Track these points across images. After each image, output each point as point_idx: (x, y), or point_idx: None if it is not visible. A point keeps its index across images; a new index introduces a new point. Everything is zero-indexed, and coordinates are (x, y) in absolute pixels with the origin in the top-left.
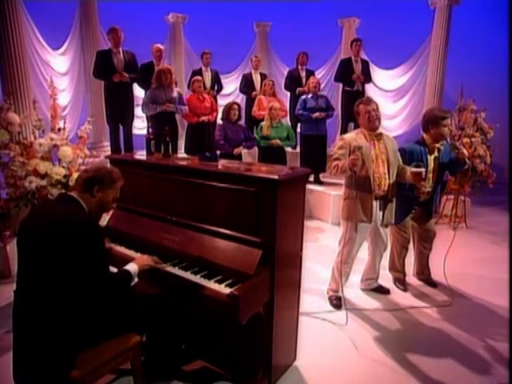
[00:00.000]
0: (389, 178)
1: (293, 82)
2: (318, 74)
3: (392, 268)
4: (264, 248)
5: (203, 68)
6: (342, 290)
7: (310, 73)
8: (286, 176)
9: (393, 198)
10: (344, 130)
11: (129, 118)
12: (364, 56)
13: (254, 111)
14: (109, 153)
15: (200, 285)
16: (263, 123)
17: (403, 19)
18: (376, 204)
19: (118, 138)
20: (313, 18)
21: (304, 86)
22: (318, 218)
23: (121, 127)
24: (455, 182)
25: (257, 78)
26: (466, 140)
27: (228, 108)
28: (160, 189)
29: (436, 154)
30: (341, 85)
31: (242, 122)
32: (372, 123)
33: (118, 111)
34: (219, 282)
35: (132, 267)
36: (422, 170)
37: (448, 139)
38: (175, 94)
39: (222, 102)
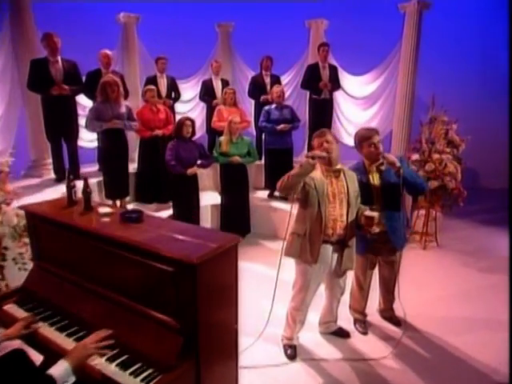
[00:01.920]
0: (346, 221)
1: (256, 88)
2: (285, 80)
3: (352, 307)
4: (185, 335)
5: (158, 75)
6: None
7: (275, 79)
8: (207, 255)
9: (351, 242)
10: (312, 140)
11: (72, 134)
12: (333, 61)
13: (213, 122)
14: (51, 172)
15: (113, 379)
16: (222, 138)
17: (374, 22)
18: (331, 248)
19: (60, 156)
20: (280, 18)
21: (268, 94)
22: (283, 238)
23: (64, 144)
24: (425, 199)
25: (218, 85)
26: (436, 156)
27: (180, 124)
28: (78, 251)
29: (377, 174)
30: (308, 92)
31: (204, 136)
32: (328, 158)
33: (59, 127)
34: (136, 373)
35: (60, 368)
36: (375, 214)
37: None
38: (123, 110)
39: (181, 108)
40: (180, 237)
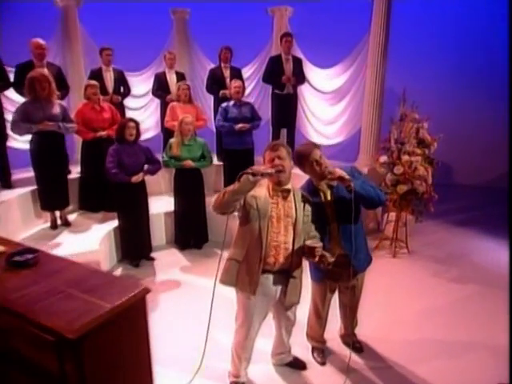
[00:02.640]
0: (292, 249)
1: (215, 82)
2: (247, 72)
3: (309, 335)
4: None
5: (103, 67)
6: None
7: (236, 71)
8: (97, 321)
9: (297, 273)
10: (276, 138)
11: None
12: (298, 52)
13: (166, 121)
14: None
15: None
16: (172, 140)
17: (342, 10)
18: (273, 279)
19: None
20: (242, 4)
21: (228, 88)
22: None
23: None
24: (394, 204)
25: (172, 79)
26: (405, 158)
27: (121, 126)
28: None
29: (329, 191)
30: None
31: (160, 135)
32: (276, 176)
33: None
34: None
35: None
36: (318, 245)
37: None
38: (57, 110)
39: (134, 104)
40: (73, 291)
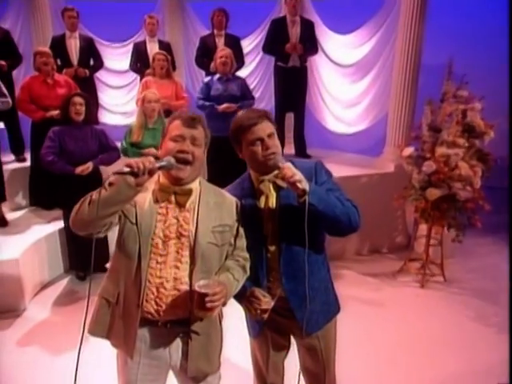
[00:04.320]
0: (190, 288)
1: (206, 54)
2: (249, 45)
3: None
4: None
5: (67, 33)
6: None
7: (233, 41)
8: None
9: (202, 327)
10: (280, 125)
11: None
12: (311, 13)
13: (137, 100)
14: None
15: None
16: (133, 123)
17: None
18: (165, 336)
19: None
20: None
21: None
22: None
23: None
24: (422, 216)
25: (153, 49)
26: (441, 151)
27: (65, 103)
28: None
29: (272, 195)
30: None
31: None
32: (175, 172)
33: None
34: None
35: None
36: (211, 291)
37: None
38: None
39: (115, 82)
40: None
